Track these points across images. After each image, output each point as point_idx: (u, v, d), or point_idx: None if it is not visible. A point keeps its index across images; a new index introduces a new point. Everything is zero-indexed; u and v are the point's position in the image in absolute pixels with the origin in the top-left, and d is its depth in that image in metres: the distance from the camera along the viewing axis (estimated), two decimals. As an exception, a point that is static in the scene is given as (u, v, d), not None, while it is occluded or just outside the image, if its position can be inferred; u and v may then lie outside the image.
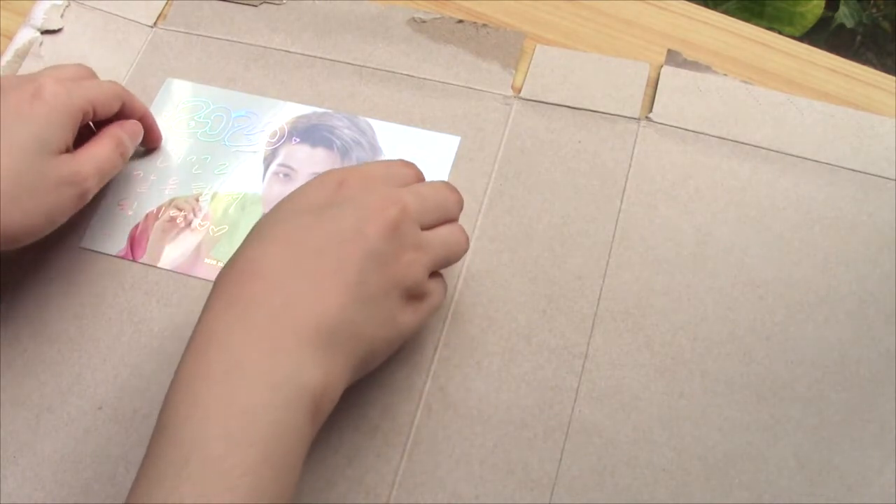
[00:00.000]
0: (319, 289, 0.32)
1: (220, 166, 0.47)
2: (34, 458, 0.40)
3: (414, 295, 0.35)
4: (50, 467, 0.39)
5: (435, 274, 0.38)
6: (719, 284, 0.41)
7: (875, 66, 0.48)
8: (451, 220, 0.38)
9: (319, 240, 0.33)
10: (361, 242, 0.33)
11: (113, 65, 0.50)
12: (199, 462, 0.28)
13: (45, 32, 0.51)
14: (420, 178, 0.38)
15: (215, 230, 0.45)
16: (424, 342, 0.41)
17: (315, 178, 0.36)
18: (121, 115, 0.44)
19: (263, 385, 0.30)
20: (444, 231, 0.37)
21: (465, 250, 0.38)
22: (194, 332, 0.32)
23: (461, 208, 0.38)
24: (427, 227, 0.36)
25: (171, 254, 0.44)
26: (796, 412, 0.39)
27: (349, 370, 0.33)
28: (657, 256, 0.42)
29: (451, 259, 0.38)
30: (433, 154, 0.46)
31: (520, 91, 0.47)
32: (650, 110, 0.46)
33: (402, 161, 0.38)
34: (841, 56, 0.48)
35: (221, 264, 0.43)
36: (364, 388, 0.40)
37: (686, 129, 0.45)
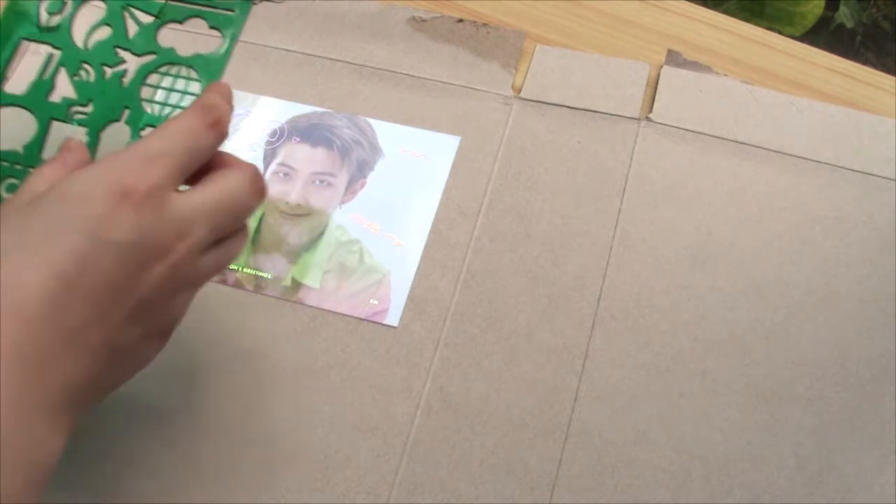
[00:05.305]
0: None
1: (220, 166, 0.47)
2: (34, 457, 0.40)
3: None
4: (49, 467, 0.39)
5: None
6: (719, 284, 0.41)
7: (875, 66, 0.48)
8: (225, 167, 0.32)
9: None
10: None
11: (112, 64, 0.50)
12: None
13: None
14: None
15: (215, 230, 0.45)
16: (424, 342, 0.41)
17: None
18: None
19: None
20: (211, 196, 0.31)
21: (251, 198, 0.32)
22: None
23: (220, 138, 0.32)
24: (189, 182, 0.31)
25: (171, 253, 0.44)
26: (796, 412, 0.39)
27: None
28: (657, 256, 0.42)
29: (235, 220, 0.32)
30: (433, 154, 0.46)
31: (520, 91, 0.47)
32: (650, 110, 0.46)
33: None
34: (841, 56, 0.48)
35: (221, 264, 0.43)
36: (363, 387, 0.40)
37: (686, 129, 0.45)
